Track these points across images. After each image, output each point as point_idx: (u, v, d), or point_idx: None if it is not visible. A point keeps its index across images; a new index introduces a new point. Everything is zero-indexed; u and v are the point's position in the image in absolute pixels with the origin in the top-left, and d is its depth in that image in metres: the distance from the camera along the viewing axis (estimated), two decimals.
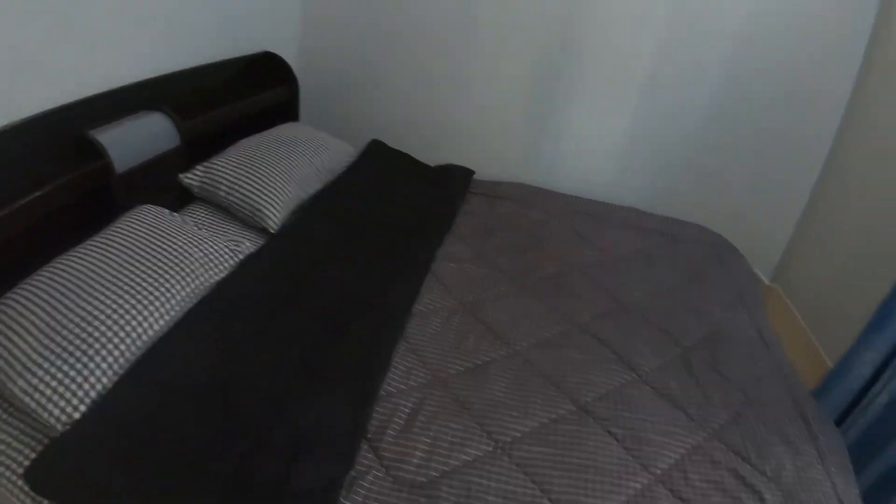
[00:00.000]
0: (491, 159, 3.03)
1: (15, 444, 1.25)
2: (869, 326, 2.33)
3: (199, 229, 1.83)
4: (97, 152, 1.72)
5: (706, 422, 1.60)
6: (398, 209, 2.35)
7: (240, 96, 2.42)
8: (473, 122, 3.13)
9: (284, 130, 2.48)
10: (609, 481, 1.36)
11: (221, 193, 2.05)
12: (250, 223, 2.07)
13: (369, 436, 1.37)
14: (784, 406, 1.73)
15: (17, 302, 1.37)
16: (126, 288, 1.47)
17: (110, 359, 1.35)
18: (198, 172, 2.10)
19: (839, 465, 1.58)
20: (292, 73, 2.76)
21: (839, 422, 2.29)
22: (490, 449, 1.39)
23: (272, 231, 2.06)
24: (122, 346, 1.38)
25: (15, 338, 1.30)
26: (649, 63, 2.85)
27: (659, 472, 1.42)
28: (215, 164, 2.11)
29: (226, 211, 2.11)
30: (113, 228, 1.66)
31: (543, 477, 1.34)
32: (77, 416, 1.25)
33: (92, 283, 1.45)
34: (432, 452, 1.35)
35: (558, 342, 1.80)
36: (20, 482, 1.17)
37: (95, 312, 1.38)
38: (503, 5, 2.84)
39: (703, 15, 2.76)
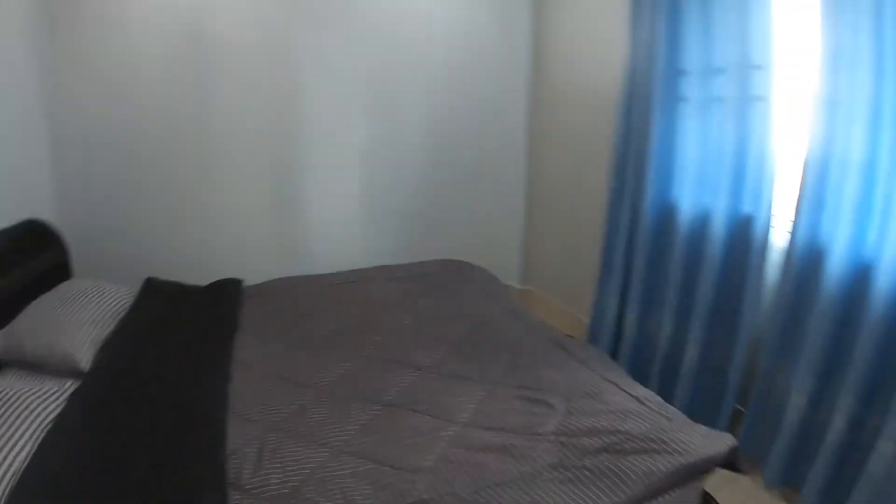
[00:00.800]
0: (253, 266, 3.34)
1: None
2: (600, 281, 3.14)
3: (20, 381, 2.03)
4: None
5: (487, 379, 2.15)
6: (187, 326, 2.63)
7: (13, 265, 2.60)
8: (231, 238, 3.47)
9: (67, 286, 2.69)
10: (428, 438, 1.82)
11: (28, 349, 2.23)
12: (62, 369, 2.26)
13: (231, 481, 1.69)
14: (546, 348, 2.37)
15: None
16: None
17: None
18: None
19: (602, 365, 2.24)
20: (58, 236, 2.96)
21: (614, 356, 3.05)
22: (329, 453, 1.79)
23: (86, 370, 2.27)
24: None
25: None
26: (363, 138, 3.49)
27: (464, 420, 1.92)
28: (13, 327, 2.29)
29: (34, 368, 2.28)
30: None
31: (377, 454, 1.76)
32: None
33: None
34: (284, 471, 1.71)
35: (353, 372, 2.26)
36: None
37: None
38: (229, 128, 3.28)
39: (399, 80, 3.52)
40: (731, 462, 1.83)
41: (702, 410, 2.73)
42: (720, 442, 1.79)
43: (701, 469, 1.74)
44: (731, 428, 2.63)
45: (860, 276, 2.20)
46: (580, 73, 3.51)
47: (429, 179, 3.72)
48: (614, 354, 3.15)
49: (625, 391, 2.02)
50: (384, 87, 3.51)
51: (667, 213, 2.86)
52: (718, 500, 1.91)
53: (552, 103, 3.77)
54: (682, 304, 2.80)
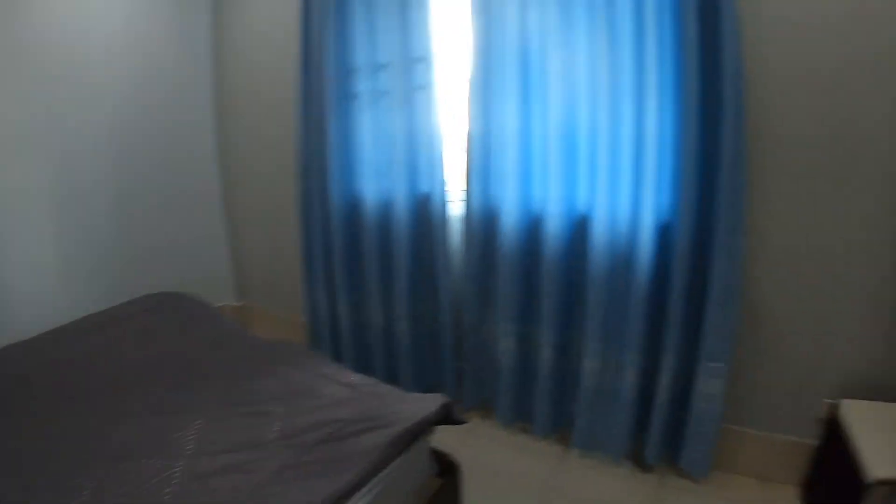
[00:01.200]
0: None
1: None
2: (305, 281, 3.25)
3: None
4: None
5: (206, 406, 2.11)
6: None
7: None
8: None
9: None
10: (160, 479, 1.74)
11: None
12: None
13: None
14: (259, 360, 2.39)
15: None
16: None
17: None
18: None
19: (314, 362, 2.32)
20: None
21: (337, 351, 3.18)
22: None
23: None
24: None
25: None
26: (48, 186, 3.17)
27: (189, 451, 1.87)
28: None
29: None
30: None
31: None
32: None
33: None
34: None
35: (75, 437, 2.03)
36: None
37: None
38: None
39: (78, 117, 3.24)
40: (448, 417, 2.02)
41: (429, 378, 2.98)
42: (430, 403, 1.97)
43: (418, 432, 1.91)
44: (458, 385, 2.90)
45: (532, 228, 2.56)
46: (261, 80, 3.55)
47: (125, 216, 3.49)
48: (337, 349, 3.26)
49: (337, 382, 2.13)
50: (64, 128, 3.16)
51: (354, 204, 3.04)
52: (454, 453, 2.11)
53: (238, 115, 3.77)
54: (385, 285, 3.01)
